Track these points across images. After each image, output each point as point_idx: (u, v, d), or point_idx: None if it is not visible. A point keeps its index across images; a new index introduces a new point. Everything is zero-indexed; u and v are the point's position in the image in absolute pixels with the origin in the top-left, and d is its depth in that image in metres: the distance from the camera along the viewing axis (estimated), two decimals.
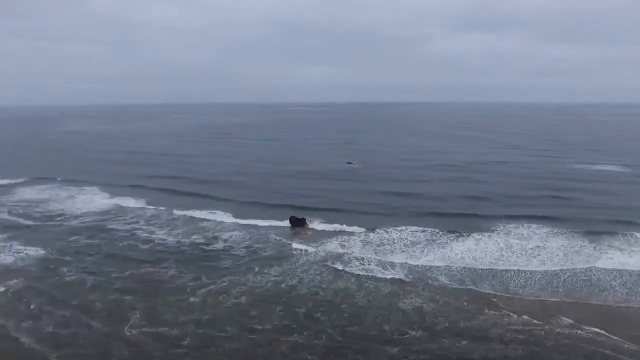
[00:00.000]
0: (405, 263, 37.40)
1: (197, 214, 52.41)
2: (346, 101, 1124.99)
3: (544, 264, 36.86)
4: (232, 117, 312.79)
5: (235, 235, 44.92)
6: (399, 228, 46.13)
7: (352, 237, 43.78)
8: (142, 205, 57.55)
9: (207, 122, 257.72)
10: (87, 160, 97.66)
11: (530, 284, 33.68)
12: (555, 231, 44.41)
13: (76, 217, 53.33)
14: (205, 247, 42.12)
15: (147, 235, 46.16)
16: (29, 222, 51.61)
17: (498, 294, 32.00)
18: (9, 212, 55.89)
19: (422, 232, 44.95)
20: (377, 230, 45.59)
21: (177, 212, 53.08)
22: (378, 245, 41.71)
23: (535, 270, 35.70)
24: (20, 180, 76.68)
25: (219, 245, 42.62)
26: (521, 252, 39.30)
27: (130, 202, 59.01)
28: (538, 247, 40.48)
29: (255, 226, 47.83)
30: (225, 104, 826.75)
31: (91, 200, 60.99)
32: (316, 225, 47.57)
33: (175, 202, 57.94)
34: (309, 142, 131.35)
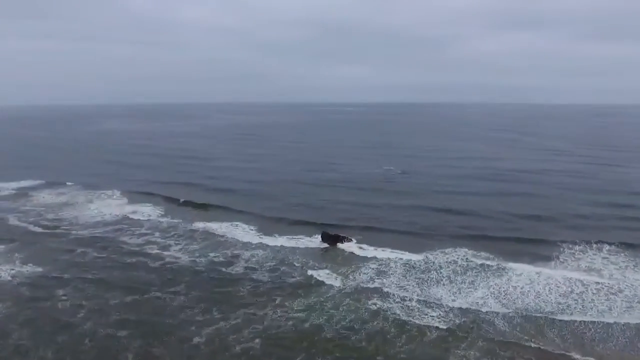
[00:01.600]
0: (454, 300, 31.03)
1: (218, 227, 47.26)
2: (379, 101, 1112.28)
3: (632, 309, 29.79)
4: (264, 117, 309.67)
5: (258, 255, 39.45)
6: (445, 251, 39.72)
7: (391, 261, 37.60)
8: (160, 214, 53.06)
9: (239, 122, 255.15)
10: (112, 162, 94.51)
11: (615, 338, 26.77)
12: (637, 262, 37.04)
13: (88, 226, 49.23)
14: (222, 269, 36.85)
15: (160, 251, 41.32)
16: (37, 230, 47.87)
17: (573, 355, 25.18)
18: (20, 219, 52.39)
19: (472, 257, 38.36)
20: (420, 253, 39.33)
21: (197, 224, 48.11)
22: (422, 273, 35.49)
23: (619, 322, 28.38)
24: (41, 182, 74.05)
25: (239, 266, 37.26)
26: (596, 290, 32.27)
27: (148, 210, 54.58)
28: (618, 282, 33.37)
29: (282, 244, 42.28)
30: (258, 104, 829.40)
31: (108, 206, 56.99)
32: (351, 244, 41.68)
33: (196, 212, 53.38)
34: (342, 144, 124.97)
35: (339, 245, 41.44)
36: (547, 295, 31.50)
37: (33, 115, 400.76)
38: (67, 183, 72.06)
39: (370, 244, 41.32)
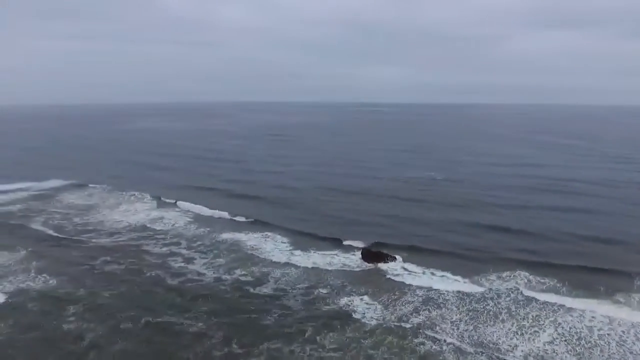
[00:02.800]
0: (518, 345, 25.99)
1: (247, 238, 43.47)
2: (415, 102, 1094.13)
3: None
4: (297, 117, 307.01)
5: (289, 274, 35.38)
6: (502, 275, 34.60)
7: (442, 288, 32.76)
8: (188, 221, 49.85)
9: (272, 121, 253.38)
10: (144, 163, 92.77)
11: None
12: None
13: (111, 232, 46.59)
14: (249, 289, 33.00)
15: (183, 264, 37.96)
16: (59, 236, 45.55)
17: None
18: (44, 223, 50.45)
19: (535, 285, 33.16)
20: (473, 277, 34.42)
21: (225, 235, 44.50)
22: (476, 302, 30.54)
23: None
24: (72, 182, 72.73)
25: (268, 287, 33.31)
26: None
27: (176, 216, 51.58)
28: None
29: (316, 261, 37.98)
30: (291, 103, 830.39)
31: (135, 211, 54.42)
32: (395, 263, 37.11)
33: (224, 220, 49.85)
34: (378, 147, 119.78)
35: (381, 265, 36.93)
36: (633, 344, 26.07)
37: (75, 113, 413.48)
38: (97, 184, 70.41)
39: (417, 264, 36.61)
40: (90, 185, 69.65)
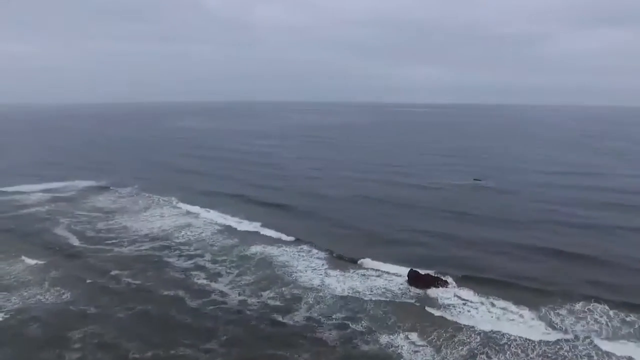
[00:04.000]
0: None
1: (279, 253, 39.31)
2: (453, 102, 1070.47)
3: None
4: (335, 117, 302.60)
5: (324, 300, 30.84)
6: (574, 307, 29.17)
7: (502, 323, 27.50)
8: (216, 230, 46.14)
9: (310, 121, 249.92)
10: (178, 164, 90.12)
11: None
12: None
13: (134, 240, 43.49)
14: (277, 317, 28.75)
15: (206, 281, 34.20)
16: (80, 244, 42.83)
17: None
18: (68, 227, 48.06)
19: (617, 320, 27.58)
20: (539, 309, 29.06)
21: (254, 248, 40.44)
22: (548, 346, 25.21)
23: None
24: (104, 182, 71.06)
25: (298, 315, 28.96)
26: None
27: (202, 225, 47.92)
28: None
29: (355, 284, 33.34)
30: (329, 103, 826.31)
31: (161, 217, 51.42)
32: (447, 289, 32.12)
33: (255, 231, 45.56)
34: (419, 149, 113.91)
35: (431, 291, 31.97)
36: None
37: (116, 112, 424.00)
38: (127, 186, 68.29)
39: (473, 292, 31.49)
40: (120, 187, 67.59)
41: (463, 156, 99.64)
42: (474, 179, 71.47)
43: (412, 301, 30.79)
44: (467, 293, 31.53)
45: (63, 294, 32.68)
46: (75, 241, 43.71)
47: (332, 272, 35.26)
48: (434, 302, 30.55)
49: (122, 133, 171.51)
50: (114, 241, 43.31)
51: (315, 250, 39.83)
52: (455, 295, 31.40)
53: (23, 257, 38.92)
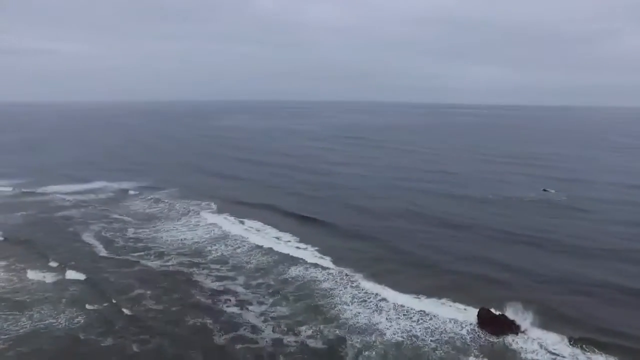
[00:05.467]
0: None
1: (322, 278, 33.86)
2: (511, 103, 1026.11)
3: None
4: (386, 118, 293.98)
5: (375, 345, 25.00)
6: None
7: None
8: (253, 246, 41.00)
9: (361, 122, 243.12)
10: (220, 167, 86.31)
11: None
12: None
13: (163, 253, 39.44)
14: None
15: (236, 310, 29.30)
16: (107, 254, 39.39)
17: None
18: (97, 233, 44.97)
19: None
20: None
21: (294, 271, 35.20)
22: None
23: None
24: (144, 184, 68.72)
25: None
26: None
27: (239, 238, 43.05)
28: None
29: (412, 323, 27.34)
30: (381, 103, 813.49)
31: (196, 226, 47.30)
32: (524, 336, 25.51)
33: (296, 250, 39.95)
34: (477, 154, 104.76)
35: (508, 338, 25.43)
36: None
37: (166, 109, 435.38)
38: (166, 188, 65.36)
39: (564, 341, 24.74)
40: (159, 190, 64.75)
41: (528, 164, 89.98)
42: (543, 190, 63.16)
43: (487, 352, 24.34)
44: (557, 342, 24.86)
45: (77, 316, 28.98)
46: (102, 250, 40.31)
47: (383, 306, 29.40)
48: (516, 356, 23.98)
49: (169, 131, 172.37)
50: (141, 253, 39.48)
51: (363, 278, 33.85)
52: (541, 347, 24.70)
53: (44, 270, 35.82)
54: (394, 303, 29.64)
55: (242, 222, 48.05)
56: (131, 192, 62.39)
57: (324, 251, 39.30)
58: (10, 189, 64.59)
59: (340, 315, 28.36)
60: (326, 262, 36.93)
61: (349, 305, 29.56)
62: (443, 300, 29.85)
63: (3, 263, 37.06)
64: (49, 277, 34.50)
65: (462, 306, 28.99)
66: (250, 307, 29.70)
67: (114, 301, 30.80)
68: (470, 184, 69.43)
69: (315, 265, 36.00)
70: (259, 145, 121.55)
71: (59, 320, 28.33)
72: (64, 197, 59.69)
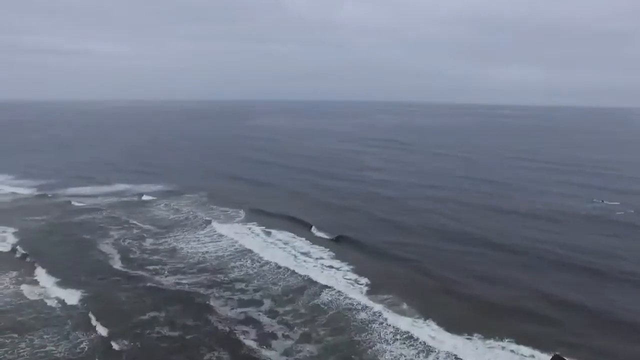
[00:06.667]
0: None
1: (358, 306, 29.34)
2: (547, 104, 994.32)
3: None
4: (419, 118, 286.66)
5: None
6: None
7: None
8: (280, 263, 36.34)
9: (393, 122, 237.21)
10: (251, 171, 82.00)
11: None
12: None
13: (180, 269, 35.99)
14: None
15: (256, 345, 25.40)
16: (121, 267, 36.37)
17: None
18: (116, 242, 42.18)
19: None
20: None
21: (326, 295, 30.66)
22: None
23: None
24: (170, 187, 66.09)
25: None
26: None
27: (266, 253, 38.67)
28: None
29: None
30: (413, 104, 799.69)
31: (219, 237, 43.52)
32: None
33: (328, 271, 35.47)
34: (516, 159, 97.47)
35: None
36: None
37: (197, 108, 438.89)
38: (193, 192, 62.41)
39: None
40: (185, 193, 61.99)
41: (576, 171, 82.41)
42: (598, 201, 57.30)
43: None
44: None
45: (81, 343, 25.99)
46: (116, 262, 37.27)
47: (431, 345, 24.79)
48: None
49: (198, 132, 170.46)
50: (157, 266, 36.26)
51: (403, 310, 29.18)
52: None
53: (52, 286, 32.85)
54: (444, 344, 24.93)
55: (270, 234, 44.19)
56: (154, 197, 59.54)
57: (358, 272, 34.83)
58: (29, 190, 63.07)
59: (379, 357, 24.04)
60: (362, 287, 32.52)
61: (389, 344, 25.14)
62: (503, 343, 24.95)
63: (8, 277, 34.40)
64: (56, 294, 31.53)
65: (527, 351, 24.18)
66: (273, 342, 25.75)
67: (123, 326, 27.42)
68: (513, 193, 63.43)
69: (350, 291, 31.55)
70: (290, 148, 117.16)
71: (60, 349, 25.23)
72: (83, 200, 57.53)
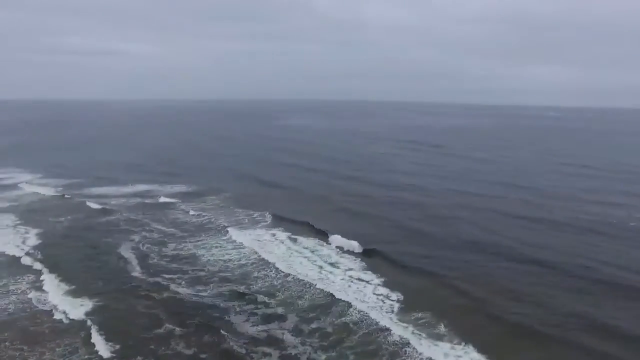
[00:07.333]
0: None
1: (391, 325, 26.71)
2: (584, 105, 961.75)
3: None
4: (449, 119, 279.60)
5: None
6: None
7: None
8: (307, 274, 34.15)
9: (425, 123, 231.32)
10: (279, 171, 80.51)
11: None
12: None
13: (199, 278, 33.92)
14: None
15: None
16: (138, 274, 34.60)
17: None
18: (136, 245, 40.68)
19: None
20: None
21: (356, 312, 28.03)
22: None
23: None
24: (195, 188, 64.90)
25: None
26: None
27: (293, 262, 36.60)
28: None
29: None
30: (443, 104, 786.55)
31: (242, 244, 41.22)
32: None
33: (357, 284, 32.83)
34: (556, 164, 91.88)
35: None
36: None
37: (229, 107, 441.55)
38: (218, 194, 60.94)
39: None
40: (210, 195, 60.49)
41: (624, 178, 76.50)
42: None
43: None
44: None
45: (93, 357, 24.21)
46: (134, 268, 35.58)
47: None
48: None
49: (227, 132, 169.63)
50: (175, 275, 34.30)
51: (440, 333, 26.15)
52: None
53: (67, 295, 31.25)
54: None
55: (295, 241, 41.81)
56: (177, 199, 58.06)
57: (389, 287, 31.96)
58: (52, 190, 62.43)
59: None
60: (394, 303, 29.62)
61: None
62: None
63: (19, 283, 33.14)
64: (68, 304, 29.91)
65: None
66: None
67: (137, 340, 25.69)
68: (555, 202, 58.90)
69: (381, 308, 28.92)
70: (320, 149, 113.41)
71: None
72: (106, 201, 56.45)
